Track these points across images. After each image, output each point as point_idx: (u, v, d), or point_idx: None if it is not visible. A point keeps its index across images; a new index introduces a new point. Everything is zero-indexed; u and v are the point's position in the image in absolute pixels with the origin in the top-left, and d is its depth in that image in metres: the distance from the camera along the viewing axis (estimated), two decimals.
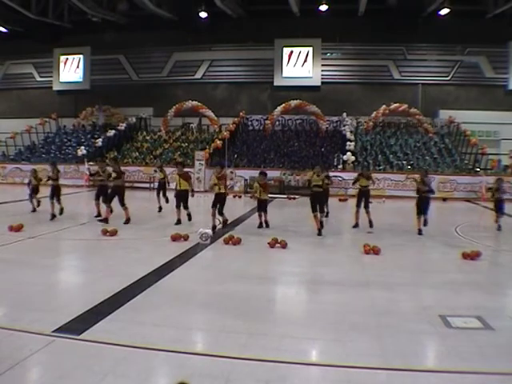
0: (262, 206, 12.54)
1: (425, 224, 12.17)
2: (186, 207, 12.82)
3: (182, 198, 12.74)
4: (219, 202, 11.91)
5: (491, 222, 13.72)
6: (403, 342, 5.11)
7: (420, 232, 12.06)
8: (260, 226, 12.51)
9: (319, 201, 11.85)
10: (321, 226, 11.80)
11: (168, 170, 25.91)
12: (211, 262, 9.14)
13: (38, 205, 14.86)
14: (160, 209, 15.73)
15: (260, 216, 12.55)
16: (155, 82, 34.63)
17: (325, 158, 27.03)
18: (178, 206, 12.78)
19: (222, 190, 11.98)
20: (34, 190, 14.79)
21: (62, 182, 26.25)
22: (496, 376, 4.39)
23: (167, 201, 15.59)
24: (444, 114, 30.60)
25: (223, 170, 12.52)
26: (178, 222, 12.69)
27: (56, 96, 36.39)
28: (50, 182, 13.89)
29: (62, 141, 32.27)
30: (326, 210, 13.27)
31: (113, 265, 8.39)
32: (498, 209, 13.56)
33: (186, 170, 13.32)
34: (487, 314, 6.00)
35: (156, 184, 17.49)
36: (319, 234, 11.61)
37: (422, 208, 12.17)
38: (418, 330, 5.47)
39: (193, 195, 12.97)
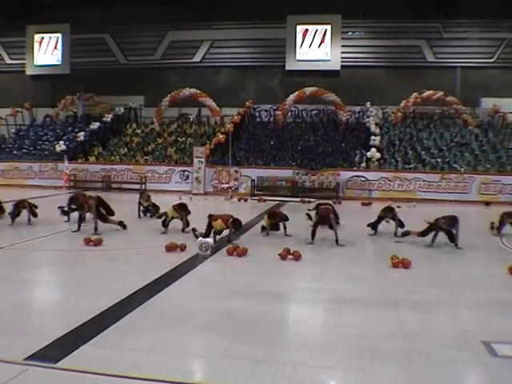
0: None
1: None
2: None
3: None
4: None
5: None
6: (438, 373, 5.06)
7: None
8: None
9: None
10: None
11: (162, 168, 26.30)
12: (212, 277, 9.13)
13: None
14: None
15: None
16: (147, 65, 34.81)
17: (345, 154, 27.01)
18: None
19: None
20: None
21: (37, 182, 26.75)
22: None
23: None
24: (487, 103, 30.51)
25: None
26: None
27: (30, 82, 36.65)
28: None
29: (38, 134, 32.45)
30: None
31: (97, 280, 8.41)
32: None
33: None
34: None
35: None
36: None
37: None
38: (456, 359, 5.42)
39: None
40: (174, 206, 13.08)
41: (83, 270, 9.15)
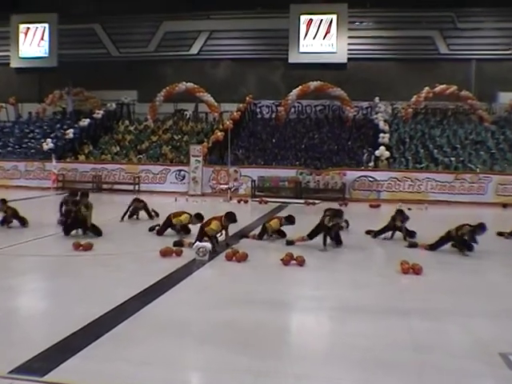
0: None
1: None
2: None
3: None
4: None
5: None
6: None
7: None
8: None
9: None
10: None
11: (156, 168, 26.29)
12: (210, 283, 9.15)
13: None
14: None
15: None
16: (140, 58, 34.85)
17: (352, 153, 27.01)
18: None
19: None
20: None
21: (23, 183, 26.77)
22: None
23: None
24: (504, 98, 30.55)
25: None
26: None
27: (15, 75, 36.68)
28: None
29: (23, 132, 32.43)
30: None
31: (87, 287, 8.41)
32: None
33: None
34: None
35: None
36: None
37: None
38: (471, 372, 5.42)
39: None
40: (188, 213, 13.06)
41: (73, 277, 9.14)
